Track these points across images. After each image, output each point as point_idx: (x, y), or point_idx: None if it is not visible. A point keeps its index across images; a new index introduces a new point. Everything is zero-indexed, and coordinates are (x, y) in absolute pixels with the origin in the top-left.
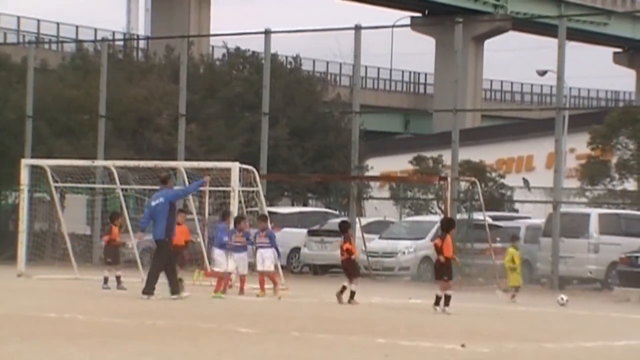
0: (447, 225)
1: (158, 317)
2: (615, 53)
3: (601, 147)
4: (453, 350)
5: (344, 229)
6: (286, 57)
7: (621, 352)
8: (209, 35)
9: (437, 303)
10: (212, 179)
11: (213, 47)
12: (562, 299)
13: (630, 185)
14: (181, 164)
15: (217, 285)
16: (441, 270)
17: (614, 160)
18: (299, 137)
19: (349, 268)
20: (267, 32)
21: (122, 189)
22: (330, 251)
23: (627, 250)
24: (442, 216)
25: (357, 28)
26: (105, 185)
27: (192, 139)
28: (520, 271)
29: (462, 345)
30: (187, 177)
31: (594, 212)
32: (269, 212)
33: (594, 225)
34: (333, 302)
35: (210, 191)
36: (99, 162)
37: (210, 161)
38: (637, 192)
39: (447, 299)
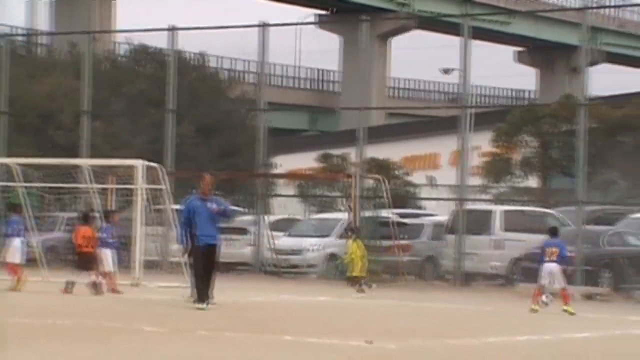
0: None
1: (61, 317)
2: (518, 52)
3: (505, 145)
4: (359, 347)
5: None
6: (191, 54)
7: (524, 346)
8: (112, 32)
9: None
10: (117, 176)
11: (117, 43)
12: (546, 296)
13: (533, 182)
14: (85, 162)
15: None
16: None
17: (517, 157)
18: (205, 134)
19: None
20: (172, 29)
21: (24, 187)
22: (237, 249)
23: (531, 247)
24: (349, 213)
25: (263, 25)
26: (5, 183)
27: (97, 136)
28: (364, 263)
29: (369, 342)
30: (92, 175)
31: (498, 209)
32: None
33: (497, 222)
34: (240, 301)
35: (115, 189)
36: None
37: (115, 158)
38: (540, 189)
39: None
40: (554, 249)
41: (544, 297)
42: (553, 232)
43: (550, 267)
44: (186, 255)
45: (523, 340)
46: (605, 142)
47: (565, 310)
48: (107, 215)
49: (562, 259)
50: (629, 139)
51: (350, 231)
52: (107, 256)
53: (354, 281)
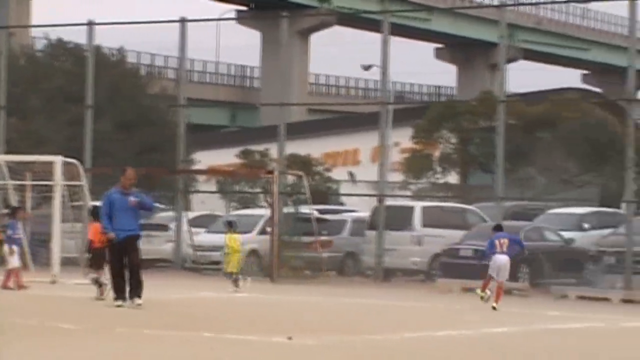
0: None
1: None
2: (437, 49)
3: (424, 141)
4: (280, 343)
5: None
6: (110, 50)
7: (443, 342)
8: (29, 27)
9: None
10: (33, 172)
11: (34, 38)
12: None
13: (452, 178)
14: (1, 158)
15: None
16: None
17: (437, 154)
18: (125, 130)
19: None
20: (90, 24)
21: None
22: (157, 245)
23: (450, 242)
24: (270, 209)
25: (183, 21)
26: None
27: (13, 132)
28: (238, 258)
29: (289, 338)
30: (7, 171)
31: (418, 205)
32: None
33: (417, 218)
34: (159, 297)
35: (32, 185)
36: None
37: (33, 155)
38: (459, 185)
39: None
40: (503, 240)
41: (487, 291)
42: (498, 227)
43: (501, 259)
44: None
45: (443, 335)
46: (524, 138)
47: (479, 295)
48: (13, 211)
49: (516, 244)
50: (546, 135)
51: (227, 225)
52: (14, 253)
53: (232, 276)
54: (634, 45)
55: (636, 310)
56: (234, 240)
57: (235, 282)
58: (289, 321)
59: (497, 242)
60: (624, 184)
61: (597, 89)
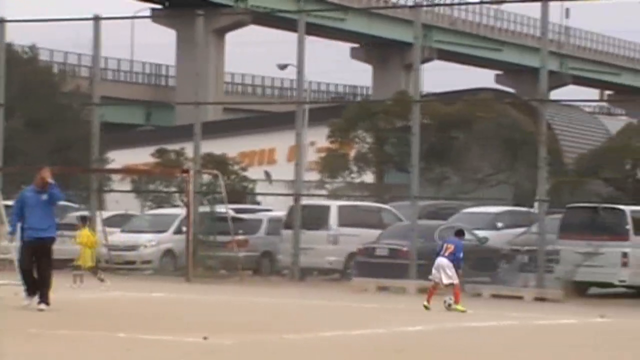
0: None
1: None
2: (352, 48)
3: (340, 140)
4: (195, 343)
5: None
6: (22, 47)
7: (359, 340)
8: None
9: None
10: None
11: None
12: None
13: (368, 177)
14: None
15: None
16: None
17: (353, 153)
18: (37, 128)
19: None
20: (2, 21)
21: None
22: (72, 245)
23: (365, 241)
24: (185, 209)
25: (97, 18)
26: None
27: None
28: (92, 253)
29: (205, 338)
30: None
31: (334, 204)
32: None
33: (333, 217)
34: (72, 298)
35: None
36: None
37: None
38: (375, 184)
39: None
40: (449, 245)
41: (446, 298)
42: (458, 233)
43: (440, 261)
44: (16, 251)
45: (357, 334)
46: (439, 138)
47: (456, 309)
48: None
49: (454, 258)
50: (461, 135)
51: (80, 220)
52: None
53: (93, 272)
54: (546, 46)
55: (548, 308)
56: (86, 236)
57: (95, 274)
58: (205, 321)
59: (445, 245)
60: (536, 183)
61: (511, 89)
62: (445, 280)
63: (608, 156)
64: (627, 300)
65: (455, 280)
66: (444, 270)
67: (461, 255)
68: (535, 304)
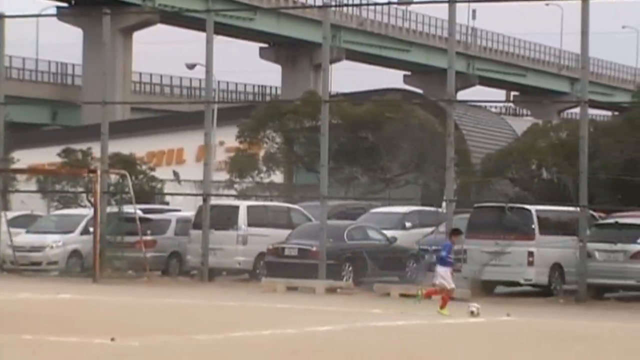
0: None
1: None
2: (261, 48)
3: (249, 140)
4: (102, 345)
5: None
6: None
7: (269, 341)
8: None
9: None
10: None
11: None
12: (472, 312)
13: (277, 177)
14: None
15: None
16: None
17: (262, 153)
18: None
19: None
20: None
21: None
22: None
23: (275, 241)
24: (92, 209)
25: (0, 16)
26: None
27: None
28: None
29: (112, 339)
30: None
31: (243, 205)
32: None
33: (242, 217)
34: None
35: None
36: None
37: None
38: (284, 184)
39: None
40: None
41: (471, 307)
42: (453, 232)
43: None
44: None
45: (267, 334)
46: (348, 138)
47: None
48: None
49: (440, 260)
50: (370, 135)
51: None
52: None
53: None
54: (454, 47)
55: (456, 307)
56: None
57: None
58: (112, 322)
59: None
60: (444, 183)
61: (419, 90)
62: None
63: (514, 156)
64: (533, 299)
65: (439, 285)
66: (436, 275)
67: (444, 254)
68: None
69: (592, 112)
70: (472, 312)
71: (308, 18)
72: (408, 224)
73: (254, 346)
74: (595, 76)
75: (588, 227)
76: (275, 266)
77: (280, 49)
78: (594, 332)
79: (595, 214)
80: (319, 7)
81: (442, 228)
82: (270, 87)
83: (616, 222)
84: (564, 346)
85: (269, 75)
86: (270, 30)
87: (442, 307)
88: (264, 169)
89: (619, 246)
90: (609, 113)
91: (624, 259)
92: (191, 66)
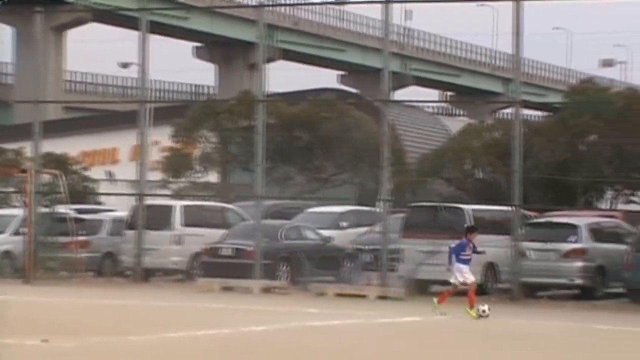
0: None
1: None
2: (196, 47)
3: (184, 140)
4: (35, 346)
5: None
6: None
7: (204, 341)
8: None
9: None
10: None
11: None
12: (483, 311)
13: (212, 177)
14: None
15: None
16: None
17: (197, 152)
18: None
19: None
20: None
21: None
22: None
23: (210, 241)
24: (24, 209)
25: None
26: None
27: None
28: None
29: (44, 341)
30: None
31: (178, 204)
32: None
33: (177, 217)
34: None
35: None
36: None
37: None
38: (220, 184)
39: None
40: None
41: (484, 308)
42: (467, 229)
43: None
44: None
45: (202, 334)
46: (283, 138)
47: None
48: None
49: (456, 258)
50: (305, 135)
51: None
52: None
53: None
54: (389, 47)
55: (391, 306)
56: None
57: None
58: (45, 323)
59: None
60: (380, 183)
61: (354, 90)
62: (452, 280)
63: (449, 156)
64: (466, 298)
65: (456, 282)
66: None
67: (459, 251)
68: (379, 303)
69: (525, 112)
70: (482, 313)
71: (243, 17)
72: (344, 224)
73: (189, 347)
74: (528, 77)
75: (521, 227)
76: (210, 266)
77: (215, 48)
78: (528, 330)
79: (528, 213)
80: (254, 6)
81: (377, 228)
82: (207, 87)
83: (549, 222)
84: (496, 344)
85: (203, 74)
86: (204, 30)
87: (470, 307)
88: (199, 168)
89: (552, 245)
90: (542, 113)
91: (557, 257)
92: (125, 65)
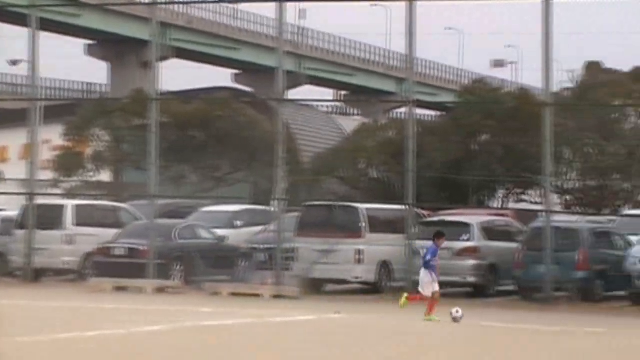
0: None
1: None
2: (88, 45)
3: (76, 138)
4: None
5: None
6: None
7: (96, 342)
8: None
9: None
10: None
11: None
12: (457, 311)
13: (105, 176)
14: None
15: None
16: None
17: (89, 151)
18: None
19: None
20: None
21: None
22: None
23: (103, 241)
24: None
25: None
26: None
27: None
28: None
29: None
30: None
31: (69, 204)
32: None
33: (68, 216)
34: None
35: None
36: None
37: None
38: (113, 183)
39: None
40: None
41: (454, 311)
42: (436, 235)
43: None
44: None
45: (94, 335)
46: (177, 136)
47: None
48: None
49: (424, 264)
50: (199, 134)
51: None
52: None
53: None
54: (283, 46)
55: (285, 305)
56: None
57: None
58: None
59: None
60: (274, 182)
61: (249, 89)
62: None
63: (343, 155)
64: (361, 297)
65: (425, 291)
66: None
67: (428, 257)
68: (274, 302)
69: (419, 112)
70: (454, 318)
71: (136, 15)
72: (238, 223)
73: (80, 348)
74: (422, 77)
75: (415, 225)
76: (103, 266)
77: (107, 46)
78: (418, 328)
79: (421, 212)
80: (147, 4)
81: (272, 227)
82: (99, 85)
83: (442, 220)
84: (390, 342)
85: (96, 72)
86: (97, 27)
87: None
88: (92, 167)
89: (445, 244)
90: (435, 113)
91: (450, 256)
92: (14, 62)
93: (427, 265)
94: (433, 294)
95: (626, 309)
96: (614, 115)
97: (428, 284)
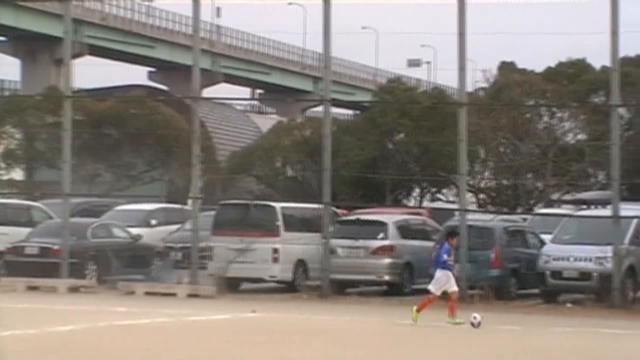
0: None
1: None
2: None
3: None
4: None
5: None
6: None
7: (9, 342)
8: None
9: None
10: None
11: None
12: (474, 317)
13: (17, 174)
14: None
15: None
16: None
17: (0, 149)
18: None
19: None
20: None
21: None
22: None
23: (14, 240)
24: None
25: None
26: None
27: None
28: None
29: None
30: None
31: None
32: None
33: None
34: None
35: None
36: None
37: None
38: (25, 181)
39: None
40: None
41: (472, 318)
42: (449, 234)
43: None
44: None
45: (6, 335)
46: (91, 134)
47: (450, 322)
48: None
49: (441, 264)
50: (114, 132)
51: None
52: None
53: None
54: (198, 44)
55: (201, 304)
56: None
57: None
58: None
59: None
60: (190, 181)
61: (164, 87)
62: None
63: (259, 154)
64: (277, 295)
65: (435, 291)
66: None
67: (444, 257)
68: (189, 301)
69: (335, 110)
70: (472, 323)
71: (48, 12)
72: (153, 222)
73: None
74: (338, 76)
75: (331, 224)
76: (15, 265)
77: (19, 42)
78: (334, 326)
79: (337, 210)
80: (60, 0)
81: (187, 225)
82: (10, 82)
83: (357, 219)
84: (306, 341)
85: (7, 69)
86: (8, 24)
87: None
88: (3, 165)
89: (361, 242)
90: (352, 112)
91: (365, 254)
92: None
93: (444, 265)
94: (451, 294)
95: (538, 306)
96: (527, 115)
97: (444, 284)
